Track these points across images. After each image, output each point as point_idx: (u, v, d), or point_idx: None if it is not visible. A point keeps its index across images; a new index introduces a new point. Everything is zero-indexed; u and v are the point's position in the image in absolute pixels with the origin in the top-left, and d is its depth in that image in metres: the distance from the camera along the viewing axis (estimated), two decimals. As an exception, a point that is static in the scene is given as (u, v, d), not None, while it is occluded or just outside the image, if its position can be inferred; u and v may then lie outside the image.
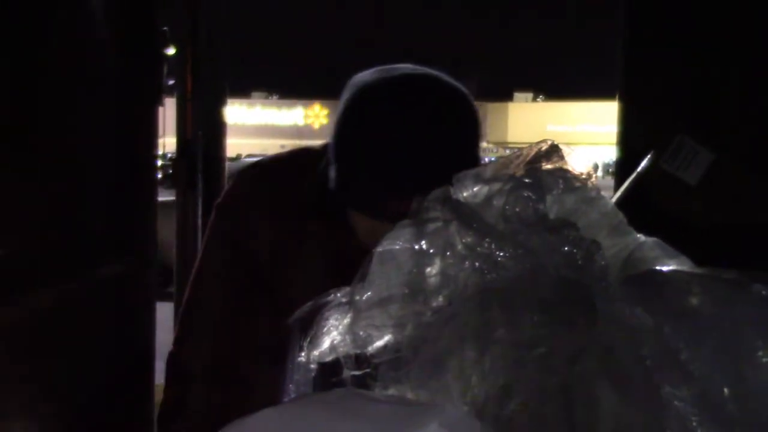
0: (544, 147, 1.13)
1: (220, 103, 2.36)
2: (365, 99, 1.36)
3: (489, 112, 54.70)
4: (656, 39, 1.56)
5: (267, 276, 1.54)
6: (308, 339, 1.05)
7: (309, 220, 1.52)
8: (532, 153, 1.13)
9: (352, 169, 1.37)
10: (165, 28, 1.84)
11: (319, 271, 1.49)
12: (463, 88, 1.41)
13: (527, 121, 59.96)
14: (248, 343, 1.54)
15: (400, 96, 1.36)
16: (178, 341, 1.60)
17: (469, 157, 1.38)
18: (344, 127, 1.38)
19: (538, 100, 67.68)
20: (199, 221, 2.31)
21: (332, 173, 1.40)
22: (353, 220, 1.42)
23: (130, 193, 1.70)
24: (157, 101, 1.76)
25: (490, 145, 54.82)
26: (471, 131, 1.41)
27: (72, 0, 1.59)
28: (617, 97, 1.59)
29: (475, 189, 1.11)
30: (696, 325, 0.95)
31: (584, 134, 57.58)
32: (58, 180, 1.53)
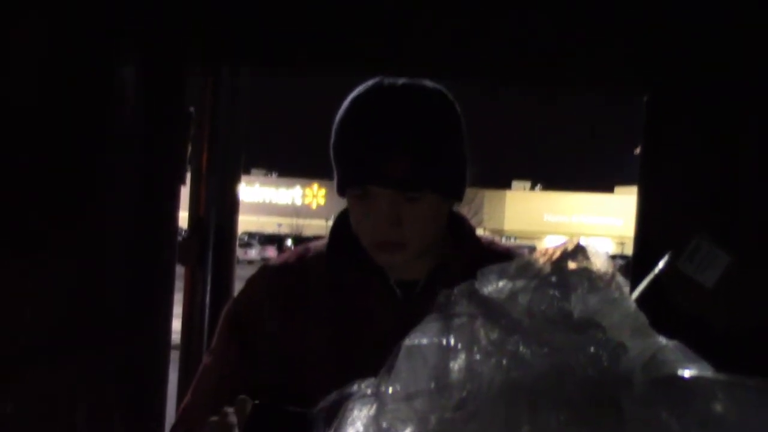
0: (570, 246, 1.14)
1: (234, 181, 2.38)
2: (350, 98, 1.61)
3: (487, 199, 54.97)
4: (676, 139, 1.59)
5: (274, 331, 1.66)
6: (332, 429, 1.05)
7: (313, 280, 1.68)
8: (558, 252, 1.14)
9: (340, 144, 1.60)
10: (192, 108, 1.87)
11: (324, 313, 1.64)
12: (440, 88, 1.61)
13: (524, 210, 60.26)
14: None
15: (375, 88, 1.59)
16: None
17: (439, 134, 1.56)
18: (337, 121, 1.62)
19: (536, 189, 68.18)
20: (207, 299, 2.29)
21: (335, 174, 1.62)
22: (351, 210, 1.61)
23: (149, 273, 1.71)
24: (181, 180, 1.78)
25: (487, 233, 55.13)
26: (438, 115, 1.59)
27: (102, 76, 1.62)
28: (637, 193, 1.61)
29: (500, 284, 1.12)
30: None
31: (580, 225, 57.91)
32: (80, 256, 1.55)
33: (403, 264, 1.61)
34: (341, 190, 1.63)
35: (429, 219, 1.58)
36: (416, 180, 1.52)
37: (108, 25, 1.61)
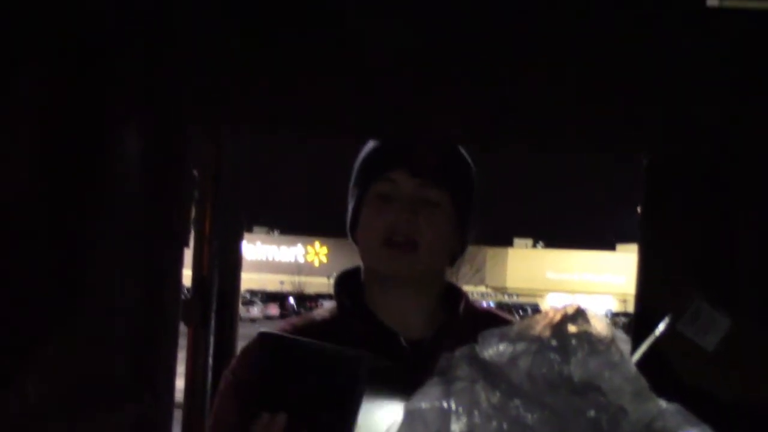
0: (570, 310, 1.15)
1: (237, 241, 2.39)
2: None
3: (489, 257, 54.81)
4: (675, 202, 1.61)
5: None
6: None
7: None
8: (558, 315, 1.15)
9: (369, 150, 1.66)
10: (195, 172, 1.89)
11: None
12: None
13: (526, 268, 59.97)
14: None
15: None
16: None
17: (460, 159, 1.70)
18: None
19: (538, 246, 68.06)
20: (210, 360, 2.29)
21: (349, 202, 1.67)
22: (368, 216, 1.62)
23: (154, 335, 1.71)
24: (185, 242, 1.79)
25: (489, 290, 54.85)
26: (460, 149, 1.71)
27: (107, 141, 1.65)
28: (637, 254, 1.62)
29: (500, 348, 1.13)
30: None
31: (582, 283, 57.67)
32: (85, 316, 1.56)
33: (409, 273, 1.59)
34: (361, 194, 1.65)
35: (441, 232, 1.61)
36: (442, 174, 1.62)
37: (109, 88, 1.64)
